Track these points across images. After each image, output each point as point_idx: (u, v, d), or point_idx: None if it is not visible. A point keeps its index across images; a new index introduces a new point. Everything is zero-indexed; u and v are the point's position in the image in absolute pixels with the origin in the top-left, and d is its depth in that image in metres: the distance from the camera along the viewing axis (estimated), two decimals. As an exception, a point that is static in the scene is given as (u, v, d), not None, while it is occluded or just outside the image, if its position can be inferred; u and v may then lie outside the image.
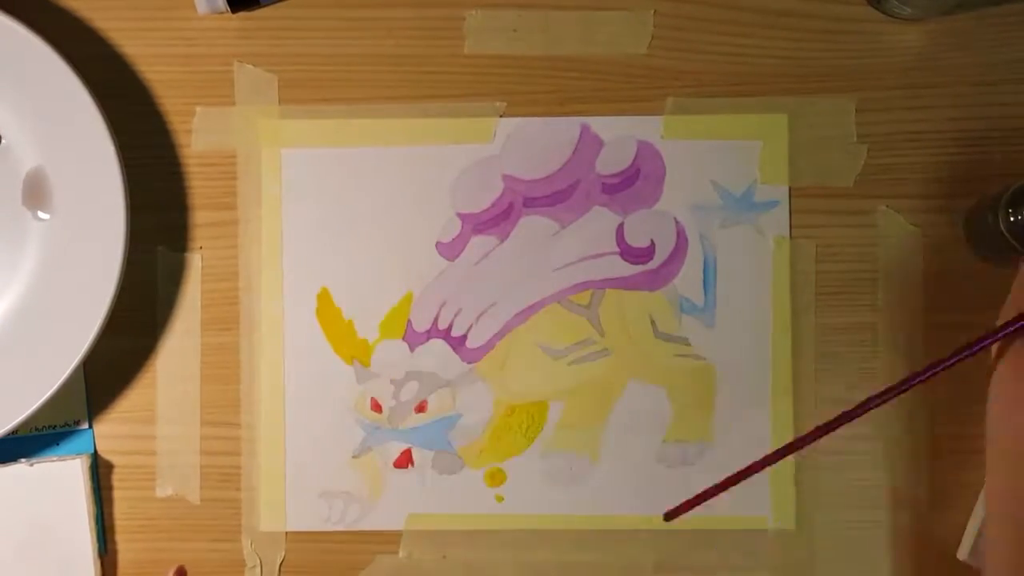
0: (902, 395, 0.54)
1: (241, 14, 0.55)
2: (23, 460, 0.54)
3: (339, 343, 0.54)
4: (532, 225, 0.54)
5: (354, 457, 0.54)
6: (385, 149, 0.55)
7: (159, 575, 0.54)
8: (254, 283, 0.54)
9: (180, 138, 0.55)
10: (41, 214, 0.53)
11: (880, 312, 0.54)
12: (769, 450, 0.54)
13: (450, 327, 0.54)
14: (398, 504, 0.54)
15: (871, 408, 0.40)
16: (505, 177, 0.55)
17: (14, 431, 0.52)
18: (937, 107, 0.55)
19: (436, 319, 0.54)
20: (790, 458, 0.54)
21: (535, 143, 0.55)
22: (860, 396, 0.54)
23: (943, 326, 0.54)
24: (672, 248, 0.55)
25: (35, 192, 0.53)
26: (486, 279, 0.54)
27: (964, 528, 0.54)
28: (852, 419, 0.40)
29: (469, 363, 0.54)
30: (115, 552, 0.54)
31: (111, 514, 0.54)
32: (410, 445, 0.54)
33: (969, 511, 0.54)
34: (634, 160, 0.55)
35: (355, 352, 0.54)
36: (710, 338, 0.54)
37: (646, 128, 0.55)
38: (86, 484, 0.53)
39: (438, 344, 0.54)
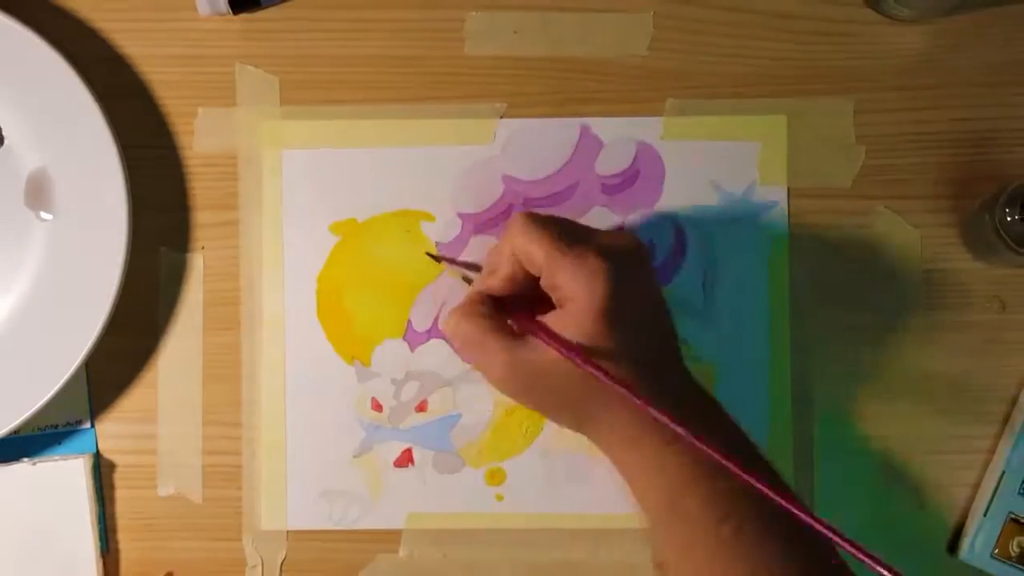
0: (903, 395, 0.54)
1: (242, 15, 0.55)
2: (25, 459, 0.54)
3: (340, 342, 0.54)
4: (532, 225, 0.55)
5: (355, 456, 0.54)
6: (386, 150, 0.55)
7: (160, 574, 0.54)
8: (255, 283, 0.55)
9: (182, 139, 0.55)
10: (44, 215, 0.53)
11: (879, 312, 0.55)
12: (767, 449, 0.54)
13: (450, 327, 0.54)
14: (398, 503, 0.54)
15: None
16: (505, 178, 0.55)
17: (16, 430, 0.52)
18: (936, 108, 0.55)
19: (436, 319, 0.54)
20: (790, 458, 0.54)
21: (535, 144, 0.55)
22: (860, 395, 0.54)
23: (942, 326, 0.54)
24: (671, 249, 0.55)
25: (37, 193, 0.53)
26: (486, 279, 0.55)
27: (963, 528, 0.54)
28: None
29: (470, 363, 0.54)
30: (117, 551, 0.54)
31: (113, 513, 0.54)
32: (411, 444, 0.54)
33: (968, 511, 0.54)
34: (634, 161, 0.55)
35: (356, 351, 0.54)
36: (709, 338, 0.54)
37: (646, 129, 0.55)
38: (88, 483, 0.54)
39: (439, 344, 0.54)
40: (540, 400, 0.46)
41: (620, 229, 0.46)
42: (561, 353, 0.43)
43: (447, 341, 0.53)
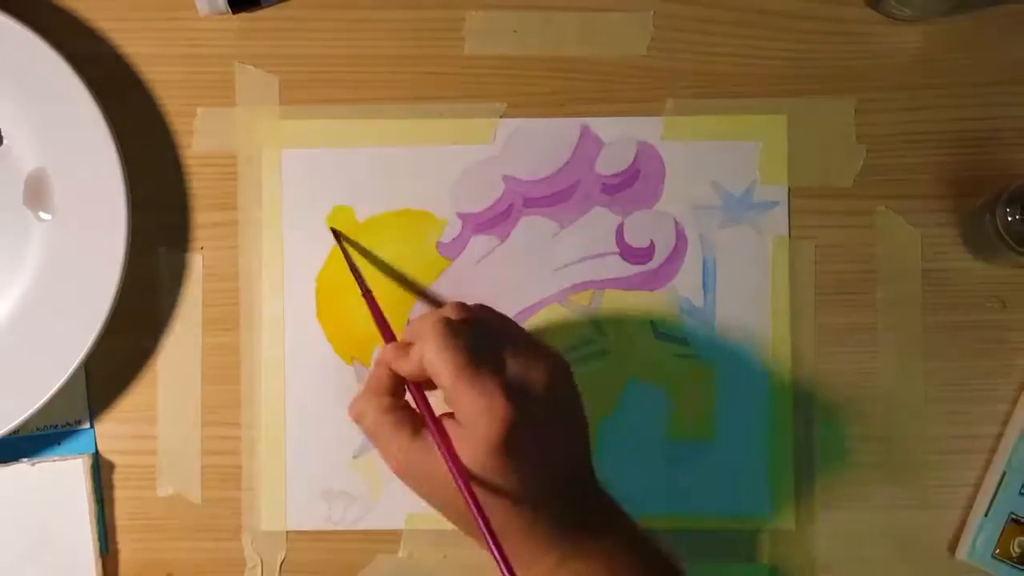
0: (903, 395, 0.54)
1: (242, 15, 0.55)
2: (24, 460, 0.54)
3: (340, 343, 0.54)
4: (532, 225, 0.55)
5: (355, 457, 0.54)
6: (385, 149, 0.55)
7: (159, 575, 0.54)
8: (255, 283, 0.55)
9: (181, 139, 0.55)
10: (43, 215, 0.53)
11: (879, 312, 0.55)
12: (767, 450, 0.54)
13: (450, 327, 0.54)
14: (398, 503, 0.54)
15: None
16: (505, 178, 0.55)
17: (15, 431, 0.52)
18: (936, 107, 0.55)
19: (436, 319, 0.54)
20: (790, 458, 0.54)
21: (535, 144, 0.55)
22: (860, 396, 0.54)
23: (942, 326, 0.54)
24: (672, 248, 0.55)
25: (37, 193, 0.53)
26: (486, 279, 0.55)
27: (963, 528, 0.54)
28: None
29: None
30: (116, 552, 0.54)
31: (112, 514, 0.54)
32: (410, 445, 0.54)
33: (969, 511, 0.54)
34: (634, 161, 0.55)
35: (355, 352, 0.54)
36: (710, 338, 0.54)
37: (646, 129, 0.55)
38: (87, 484, 0.54)
39: (438, 344, 0.54)
40: (431, 501, 0.45)
41: (543, 347, 0.45)
42: (448, 468, 0.42)
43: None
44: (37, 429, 0.54)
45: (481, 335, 0.44)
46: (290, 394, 0.54)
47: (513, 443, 0.42)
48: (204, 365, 0.54)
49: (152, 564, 0.54)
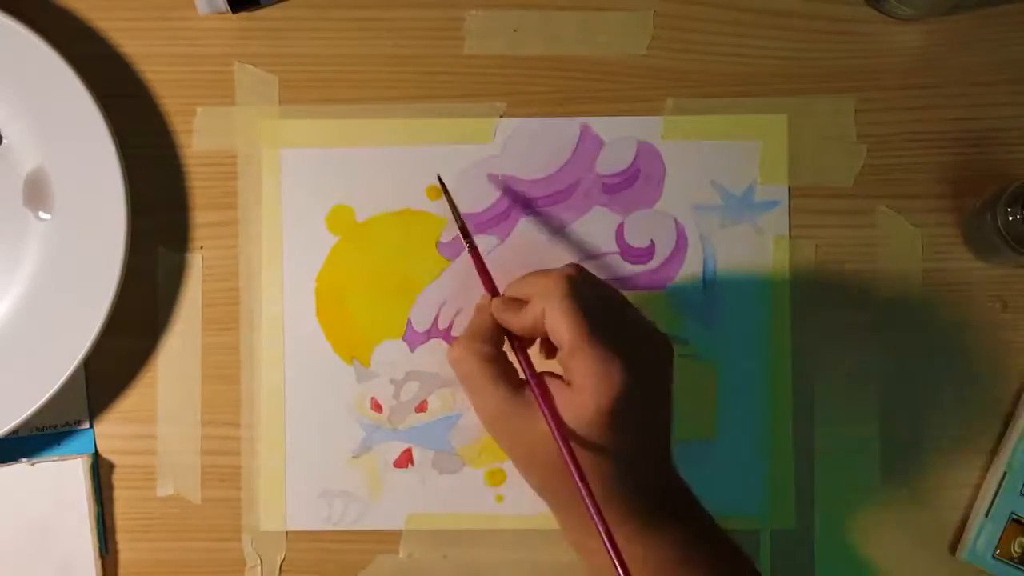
0: (903, 395, 0.54)
1: (241, 14, 0.55)
2: (24, 460, 0.54)
3: (339, 343, 0.54)
4: (532, 225, 0.55)
5: (354, 457, 0.54)
6: (385, 149, 0.55)
7: (159, 575, 0.54)
8: (254, 283, 0.54)
9: (181, 138, 0.55)
10: (42, 214, 0.53)
11: (880, 312, 0.55)
12: (768, 450, 0.54)
13: (450, 327, 0.54)
14: (398, 504, 0.54)
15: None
16: (505, 177, 0.55)
17: (15, 431, 0.52)
18: (937, 107, 0.55)
19: (436, 319, 0.54)
20: (790, 458, 0.54)
21: (535, 143, 0.55)
22: (860, 395, 0.54)
23: (943, 326, 0.54)
24: (672, 248, 0.55)
25: (36, 192, 0.53)
26: (486, 279, 0.54)
27: (964, 528, 0.54)
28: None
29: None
30: (116, 552, 0.54)
31: (112, 514, 0.54)
32: (410, 445, 0.54)
33: (969, 511, 0.54)
34: (634, 160, 0.55)
35: (355, 352, 0.54)
36: (710, 338, 0.54)
37: (646, 128, 0.55)
38: (87, 484, 0.53)
39: (438, 344, 0.54)
40: (516, 457, 0.46)
41: (653, 325, 0.45)
42: (550, 429, 0.42)
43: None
44: (37, 429, 0.54)
45: (602, 301, 0.44)
46: (290, 394, 0.54)
47: (620, 412, 0.42)
48: (204, 365, 0.54)
49: (151, 564, 0.54)
